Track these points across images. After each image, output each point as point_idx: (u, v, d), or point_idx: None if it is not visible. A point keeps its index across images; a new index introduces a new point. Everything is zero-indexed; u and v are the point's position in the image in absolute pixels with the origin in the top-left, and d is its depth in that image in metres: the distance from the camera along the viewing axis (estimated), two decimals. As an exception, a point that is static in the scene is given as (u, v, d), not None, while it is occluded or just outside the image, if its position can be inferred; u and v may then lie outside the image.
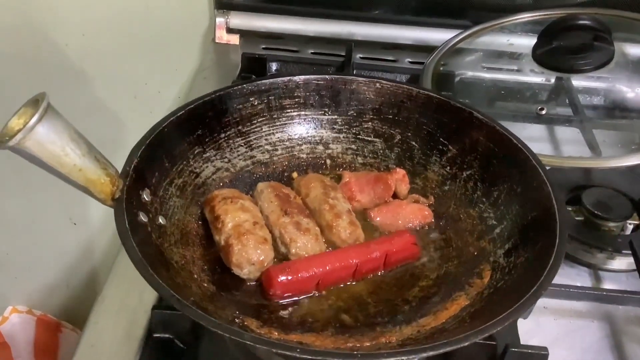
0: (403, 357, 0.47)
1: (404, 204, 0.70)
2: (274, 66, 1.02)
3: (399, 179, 0.72)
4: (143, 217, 0.60)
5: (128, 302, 0.65)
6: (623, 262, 0.73)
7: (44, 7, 1.11)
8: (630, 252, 0.72)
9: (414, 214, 0.69)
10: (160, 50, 1.14)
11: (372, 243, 0.64)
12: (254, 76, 0.98)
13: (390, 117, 0.76)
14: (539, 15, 0.96)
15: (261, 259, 0.61)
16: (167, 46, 1.14)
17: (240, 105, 0.74)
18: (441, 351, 0.48)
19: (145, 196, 0.62)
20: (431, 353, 0.48)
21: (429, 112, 0.74)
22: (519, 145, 0.67)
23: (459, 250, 0.66)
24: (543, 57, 0.86)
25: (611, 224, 0.75)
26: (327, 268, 0.61)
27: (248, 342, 0.48)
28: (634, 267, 0.71)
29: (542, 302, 0.68)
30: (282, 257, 0.64)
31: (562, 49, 0.85)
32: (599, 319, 0.69)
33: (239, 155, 0.74)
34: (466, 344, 0.49)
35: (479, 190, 0.69)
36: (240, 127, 0.74)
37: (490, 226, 0.66)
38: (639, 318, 0.68)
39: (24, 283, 1.45)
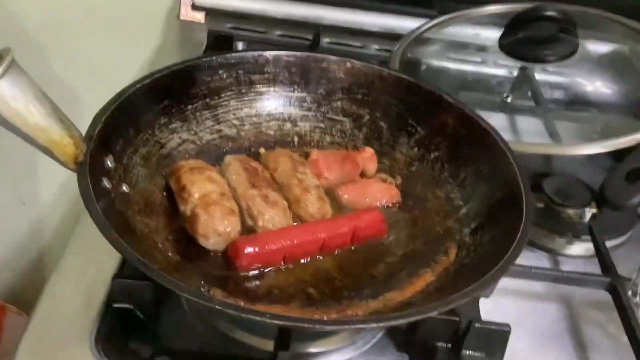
0: (372, 325, 0.47)
1: (371, 182, 0.70)
2: (240, 45, 1.01)
3: (367, 157, 0.72)
4: (107, 183, 0.58)
5: (87, 272, 0.63)
6: (581, 247, 0.75)
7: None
8: (589, 237, 0.73)
9: (382, 192, 0.69)
10: (121, 25, 1.11)
11: (340, 218, 0.64)
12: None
13: (360, 97, 0.76)
14: (506, 8, 0.97)
15: (228, 230, 0.60)
16: (129, 21, 1.11)
17: (209, 78, 0.72)
18: (408, 320, 0.49)
19: (109, 162, 0.60)
20: (399, 322, 0.48)
21: (398, 94, 0.75)
22: (487, 128, 0.68)
23: (425, 229, 0.66)
24: (509, 46, 0.87)
25: (570, 211, 0.77)
26: (295, 241, 0.60)
27: (217, 307, 0.47)
28: (592, 253, 0.73)
29: (502, 283, 0.68)
30: (249, 230, 0.63)
31: (528, 39, 0.86)
32: (557, 301, 0.71)
33: (205, 129, 0.72)
34: (433, 313, 0.49)
35: (446, 172, 0.70)
36: (207, 100, 0.72)
37: (457, 206, 0.67)
38: (594, 301, 0.69)
39: (-32, 263, 1.40)
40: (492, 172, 0.66)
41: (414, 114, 0.74)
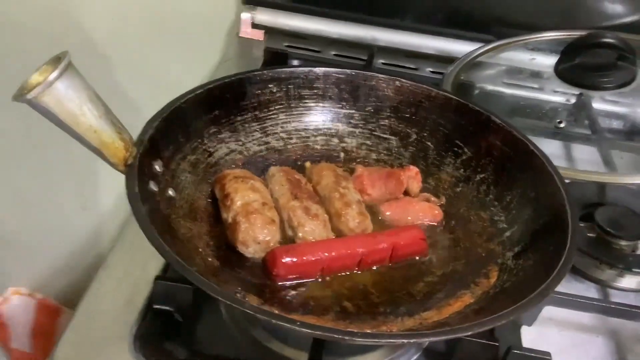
0: (400, 340, 0.47)
1: (414, 201, 0.70)
2: (295, 63, 1.03)
3: (412, 176, 0.71)
4: (153, 187, 0.60)
5: (131, 271, 0.65)
6: (633, 280, 0.72)
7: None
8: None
9: (424, 211, 0.69)
10: (184, 39, 1.15)
11: (379, 234, 0.64)
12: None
13: (408, 116, 0.76)
14: (563, 35, 0.96)
15: (267, 239, 0.61)
16: (192, 37, 1.15)
17: (259, 91, 0.74)
18: (438, 339, 0.48)
19: (158, 167, 0.62)
20: (428, 339, 0.48)
21: (446, 114, 0.74)
22: (535, 150, 0.67)
23: (467, 250, 0.65)
24: (565, 72, 0.86)
25: (623, 243, 0.74)
26: (333, 254, 0.60)
27: (248, 311, 0.47)
28: (644, 287, 0.70)
29: (547, 312, 0.67)
30: (289, 240, 0.64)
31: (584, 65, 0.85)
32: (604, 335, 0.68)
33: (253, 140, 0.74)
34: (465, 334, 0.48)
35: (491, 194, 0.69)
36: (257, 112, 0.74)
37: (501, 229, 0.66)
38: (644, 336, 0.67)
39: (28, 264, 1.45)
40: (538, 196, 0.64)
41: (461, 135, 0.73)
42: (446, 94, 0.76)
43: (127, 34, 1.16)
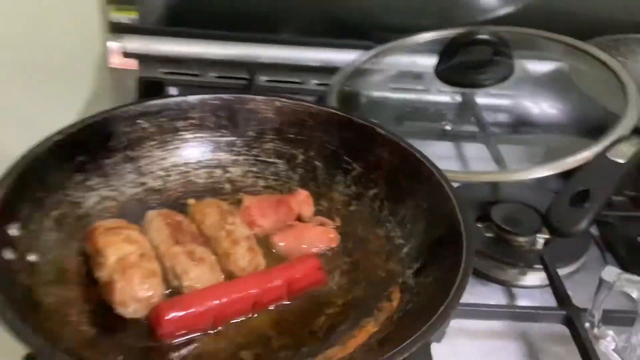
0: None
1: (308, 227, 0.66)
2: (173, 91, 0.97)
3: (302, 200, 0.67)
4: (10, 255, 0.53)
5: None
6: (535, 277, 0.71)
7: None
8: (542, 267, 0.70)
9: (319, 237, 0.65)
10: (51, 79, 1.06)
11: (273, 270, 0.59)
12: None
13: (292, 136, 0.72)
14: (441, 34, 0.95)
15: (149, 294, 0.55)
16: (59, 74, 1.06)
17: (128, 128, 0.68)
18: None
19: (14, 231, 0.55)
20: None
21: (331, 130, 0.71)
22: (423, 160, 0.65)
23: (366, 273, 0.62)
24: (444, 73, 0.85)
25: (521, 239, 0.73)
26: (224, 301, 0.55)
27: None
28: (547, 282, 0.69)
29: (457, 323, 0.64)
30: (175, 292, 0.58)
31: (463, 64, 0.84)
32: (515, 339, 0.67)
33: (128, 183, 0.67)
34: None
35: (385, 209, 0.66)
36: (128, 152, 0.68)
37: (398, 246, 0.63)
38: (553, 334, 0.65)
39: None
40: (430, 207, 0.62)
41: (349, 151, 0.70)
42: (329, 109, 0.72)
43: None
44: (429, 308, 0.52)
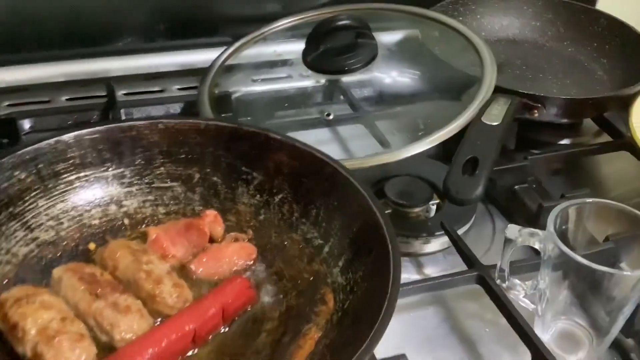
0: None
1: (223, 246, 0.65)
2: (26, 124, 0.88)
3: (211, 221, 0.66)
4: None
5: None
6: (437, 243, 0.76)
7: None
8: (442, 232, 0.75)
9: (237, 253, 0.65)
10: None
11: (204, 300, 0.58)
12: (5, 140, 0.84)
13: (183, 156, 0.70)
14: (295, 20, 0.96)
15: (82, 358, 0.51)
16: None
17: (5, 183, 0.62)
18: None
19: None
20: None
21: (223, 143, 0.70)
22: (323, 158, 0.66)
23: (293, 280, 0.63)
24: (313, 62, 0.86)
25: (417, 209, 0.78)
26: (162, 345, 0.53)
27: None
28: (448, 244, 0.75)
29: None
30: (107, 347, 0.55)
31: (329, 51, 0.86)
32: (433, 304, 0.71)
33: (18, 242, 0.62)
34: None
35: (296, 212, 0.67)
36: (11, 209, 0.62)
37: (318, 246, 0.64)
38: (466, 293, 0.71)
39: None
40: (341, 202, 0.64)
41: (245, 161, 0.69)
42: (215, 122, 0.71)
43: None
44: (367, 305, 0.54)
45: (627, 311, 0.61)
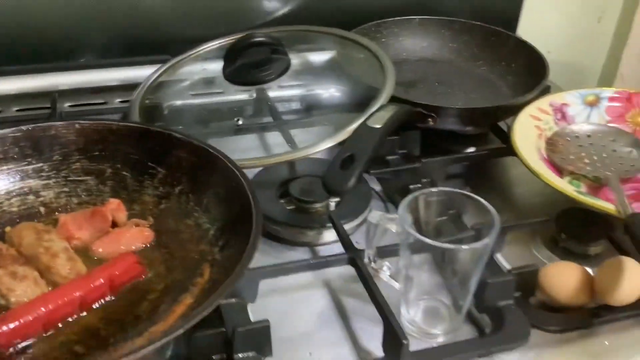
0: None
1: (123, 231, 0.74)
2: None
3: (114, 208, 0.75)
4: None
5: None
6: (331, 233, 0.84)
7: None
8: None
9: (135, 236, 0.73)
10: None
11: (93, 272, 0.67)
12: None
13: (97, 153, 0.79)
14: (225, 41, 1.06)
15: (-23, 316, 0.60)
16: None
17: None
18: (149, 349, 0.52)
19: None
20: (141, 352, 0.52)
21: (132, 142, 0.79)
22: (216, 154, 0.75)
23: (182, 259, 0.71)
24: (231, 75, 0.96)
25: (317, 205, 0.86)
26: (50, 307, 0.62)
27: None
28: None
29: (268, 285, 0.75)
30: (4, 309, 0.63)
31: (245, 65, 0.96)
32: (320, 287, 0.79)
33: (-59, 225, 0.71)
34: (180, 331, 0.54)
35: (191, 201, 0.75)
36: None
37: (206, 230, 0.73)
38: (350, 277, 0.78)
39: None
40: (227, 192, 0.72)
41: (152, 157, 0.78)
42: (127, 124, 0.80)
43: None
44: (230, 272, 0.62)
45: (473, 284, 0.69)
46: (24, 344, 0.60)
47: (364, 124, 0.83)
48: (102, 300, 0.66)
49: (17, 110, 1.06)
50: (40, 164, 0.78)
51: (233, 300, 0.69)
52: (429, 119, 0.94)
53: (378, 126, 0.83)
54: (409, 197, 0.69)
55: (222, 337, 0.65)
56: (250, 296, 0.72)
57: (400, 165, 0.92)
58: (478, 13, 1.22)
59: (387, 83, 0.94)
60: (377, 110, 0.87)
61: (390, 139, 0.94)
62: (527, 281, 0.74)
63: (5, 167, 0.76)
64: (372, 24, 1.17)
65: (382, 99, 0.91)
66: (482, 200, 0.69)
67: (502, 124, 1.04)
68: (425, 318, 0.73)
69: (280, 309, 0.75)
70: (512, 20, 1.31)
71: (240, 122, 0.98)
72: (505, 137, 0.97)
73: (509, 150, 0.91)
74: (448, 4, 1.24)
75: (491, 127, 1.03)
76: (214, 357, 0.65)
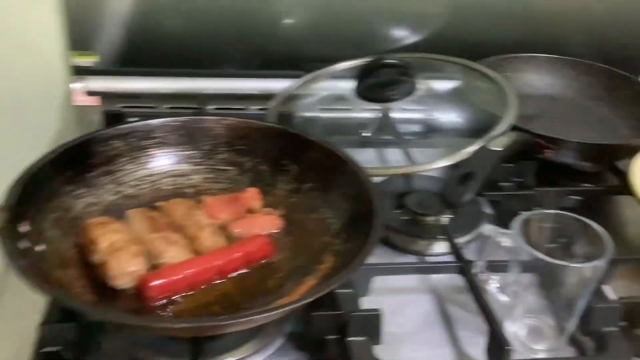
0: (255, 317, 0.59)
1: (257, 217, 0.83)
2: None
3: (252, 196, 0.84)
4: (25, 244, 0.67)
5: (16, 327, 0.71)
6: (441, 246, 0.89)
7: None
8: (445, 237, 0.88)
9: (267, 223, 0.82)
10: (19, 120, 1.20)
11: (232, 246, 0.76)
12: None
13: (241, 147, 0.89)
14: (357, 63, 1.15)
15: (135, 269, 0.70)
16: (26, 114, 1.20)
17: (104, 148, 0.83)
18: (284, 310, 0.60)
19: (25, 227, 0.69)
20: (276, 312, 0.59)
21: (272, 140, 0.88)
22: (345, 158, 0.83)
23: (306, 246, 0.79)
24: (362, 92, 1.04)
25: (430, 219, 0.92)
26: (195, 270, 0.71)
27: (136, 323, 0.57)
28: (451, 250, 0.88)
29: (379, 283, 0.81)
30: (156, 268, 0.73)
31: (376, 84, 1.04)
32: (427, 292, 0.84)
33: (107, 191, 0.82)
34: (310, 299, 0.61)
35: (318, 198, 0.83)
36: (106, 167, 0.83)
37: (330, 224, 0.80)
38: (457, 287, 0.83)
39: None
40: (352, 192, 0.80)
41: (287, 155, 0.87)
42: (269, 124, 0.90)
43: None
44: (350, 262, 0.69)
45: (579, 308, 0.72)
46: (169, 299, 0.70)
47: (484, 146, 0.88)
48: (237, 272, 0.74)
49: (168, 108, 1.19)
50: (192, 152, 0.88)
51: (348, 290, 0.76)
52: (547, 151, 0.97)
53: (497, 149, 0.87)
54: (523, 216, 0.74)
55: (337, 320, 0.71)
56: (363, 290, 0.78)
57: (512, 190, 0.96)
58: (605, 55, 1.24)
59: (509, 111, 0.99)
60: (498, 135, 0.92)
61: (506, 166, 0.99)
62: (634, 312, 0.76)
63: (163, 151, 0.87)
64: (498, 57, 1.21)
65: (504, 125, 0.96)
66: (595, 225, 0.72)
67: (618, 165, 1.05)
68: (528, 335, 0.76)
69: (389, 307, 0.80)
70: (638, 65, 1.31)
71: (365, 135, 1.06)
72: (622, 176, 0.99)
73: (626, 189, 0.92)
74: (576, 45, 1.27)
75: (609, 166, 1.04)
76: (328, 337, 0.72)
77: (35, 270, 0.65)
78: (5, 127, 1.21)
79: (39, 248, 0.70)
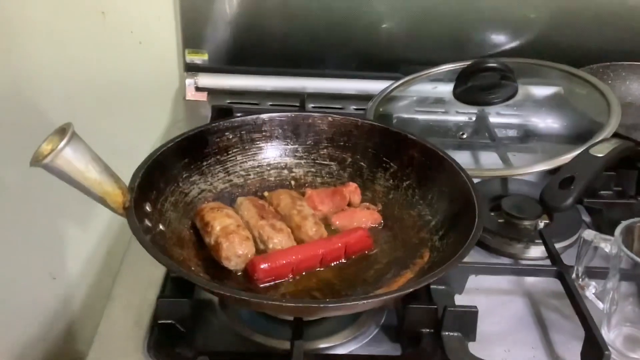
0: (360, 302, 0.62)
1: (357, 210, 0.86)
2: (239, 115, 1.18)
3: (352, 191, 0.88)
4: (148, 223, 0.74)
5: (134, 299, 0.78)
6: (537, 250, 0.89)
7: (28, 76, 1.26)
8: (542, 242, 0.88)
9: (366, 217, 0.85)
10: (136, 110, 1.30)
11: (334, 237, 0.80)
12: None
13: (342, 143, 0.93)
14: (457, 65, 1.16)
15: (245, 252, 0.75)
16: (143, 106, 1.30)
17: (218, 139, 0.89)
18: (386, 297, 0.63)
19: (147, 208, 0.76)
20: (380, 299, 0.63)
21: (372, 138, 0.92)
22: (445, 156, 0.85)
23: (403, 241, 0.82)
24: (461, 95, 1.06)
25: (526, 223, 0.92)
26: (299, 257, 0.75)
27: (246, 298, 0.62)
28: (547, 255, 0.88)
29: (474, 283, 0.83)
30: (261, 253, 0.78)
31: (475, 87, 1.05)
32: (521, 294, 0.85)
33: (218, 180, 0.88)
34: (409, 290, 0.64)
35: (417, 195, 0.86)
36: (218, 157, 0.89)
37: (427, 220, 0.82)
38: (551, 291, 0.84)
39: (2, 338, 1.52)
40: (451, 190, 0.82)
41: (386, 153, 0.90)
42: (370, 122, 0.93)
43: (82, 110, 1.29)
44: (450, 257, 0.71)
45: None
46: (274, 282, 0.74)
47: (586, 151, 0.88)
48: (337, 262, 0.78)
49: (271, 105, 1.25)
50: (297, 146, 0.93)
51: (443, 287, 0.79)
52: (651, 159, 0.95)
53: (600, 155, 0.87)
54: (628, 222, 0.73)
55: (432, 314, 0.74)
56: (458, 287, 0.80)
57: (613, 198, 0.95)
58: None
59: (612, 118, 0.98)
60: (600, 141, 0.91)
61: (607, 175, 0.98)
62: None
63: (269, 144, 0.93)
64: (601, 64, 1.20)
65: (606, 132, 0.95)
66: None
67: None
68: (625, 343, 0.75)
69: (483, 307, 0.82)
70: None
71: (465, 136, 1.07)
72: None
73: None
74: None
75: None
76: (422, 330, 0.74)
77: (157, 246, 0.71)
78: (126, 117, 1.31)
79: (160, 227, 0.76)
